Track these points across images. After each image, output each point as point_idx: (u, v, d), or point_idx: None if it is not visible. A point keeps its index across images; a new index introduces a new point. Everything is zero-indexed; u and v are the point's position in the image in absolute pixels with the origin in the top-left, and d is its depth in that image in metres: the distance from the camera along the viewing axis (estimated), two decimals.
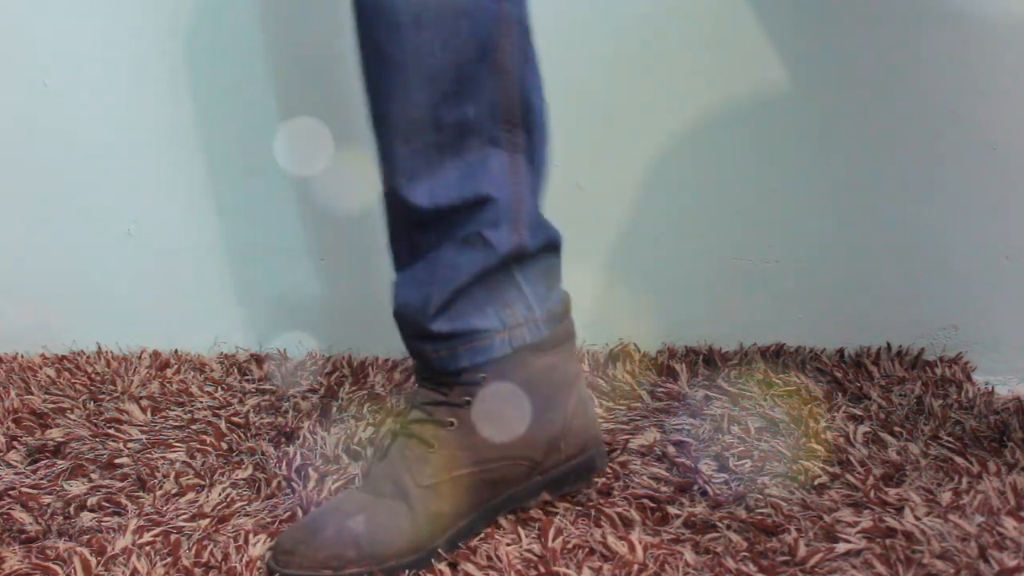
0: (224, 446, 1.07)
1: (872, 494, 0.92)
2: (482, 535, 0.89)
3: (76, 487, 0.99)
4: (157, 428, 1.12)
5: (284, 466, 1.01)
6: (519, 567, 0.83)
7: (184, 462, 1.03)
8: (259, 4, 1.27)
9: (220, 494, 0.97)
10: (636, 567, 0.82)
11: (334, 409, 1.15)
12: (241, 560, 0.84)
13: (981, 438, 1.04)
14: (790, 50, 1.25)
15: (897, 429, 1.07)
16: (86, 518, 0.93)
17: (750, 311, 1.31)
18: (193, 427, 1.12)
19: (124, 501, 0.96)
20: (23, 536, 0.90)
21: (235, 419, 1.13)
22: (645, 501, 0.93)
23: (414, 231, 0.88)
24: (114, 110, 1.30)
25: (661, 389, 1.20)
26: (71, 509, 0.95)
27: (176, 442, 1.08)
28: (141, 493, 0.98)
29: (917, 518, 0.87)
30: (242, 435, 1.09)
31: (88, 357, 1.33)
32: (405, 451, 0.88)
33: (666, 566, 0.82)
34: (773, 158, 1.28)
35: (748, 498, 0.93)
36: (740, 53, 1.25)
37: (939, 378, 1.21)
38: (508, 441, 0.89)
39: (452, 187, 0.86)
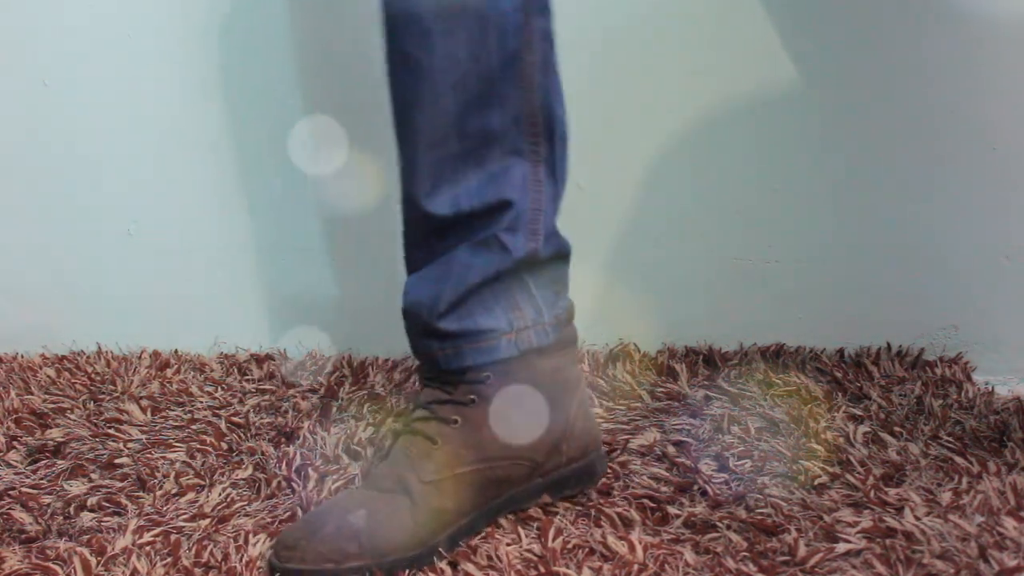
0: (224, 446, 1.07)
1: (872, 494, 0.92)
2: (482, 535, 0.89)
3: (76, 487, 0.99)
4: (157, 428, 1.12)
5: (284, 466, 1.01)
6: (519, 567, 0.83)
7: (184, 462, 1.03)
8: (264, 3, 1.27)
9: (220, 494, 0.97)
10: (636, 567, 0.82)
11: (334, 409, 1.15)
12: (241, 560, 0.84)
13: (981, 438, 1.04)
14: (790, 50, 1.25)
15: (897, 429, 1.07)
16: (86, 518, 0.93)
17: (750, 311, 1.31)
18: (193, 427, 1.12)
19: (124, 501, 0.96)
20: (23, 536, 0.90)
21: (235, 419, 1.13)
22: (645, 501, 0.93)
23: (432, 237, 0.89)
24: (114, 110, 1.30)
25: (661, 389, 1.20)
26: (71, 509, 0.95)
27: (176, 442, 1.08)
28: (141, 493, 0.98)
29: (917, 518, 0.87)
30: (242, 435, 1.09)
31: (88, 357, 1.33)
32: (409, 447, 0.88)
33: (666, 566, 0.82)
34: (773, 158, 1.28)
35: (748, 498, 0.93)
36: (740, 53, 1.25)
37: (939, 378, 1.21)
38: (511, 440, 0.89)
39: (474, 194, 0.87)
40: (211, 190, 1.32)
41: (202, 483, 0.99)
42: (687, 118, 1.27)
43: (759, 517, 0.89)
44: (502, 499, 0.91)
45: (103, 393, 1.21)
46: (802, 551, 0.83)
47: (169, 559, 0.85)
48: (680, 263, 1.31)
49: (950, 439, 1.03)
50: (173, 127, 1.31)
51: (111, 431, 1.10)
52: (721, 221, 1.30)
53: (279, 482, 0.99)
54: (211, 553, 0.85)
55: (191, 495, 0.97)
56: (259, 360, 1.31)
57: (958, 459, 0.99)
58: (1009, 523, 0.85)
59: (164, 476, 1.00)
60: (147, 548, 0.87)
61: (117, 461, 1.04)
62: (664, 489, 0.96)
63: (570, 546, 0.86)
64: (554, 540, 0.86)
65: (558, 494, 0.94)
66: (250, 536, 0.88)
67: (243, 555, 0.85)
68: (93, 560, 0.84)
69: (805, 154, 1.27)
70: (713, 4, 1.24)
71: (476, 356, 0.89)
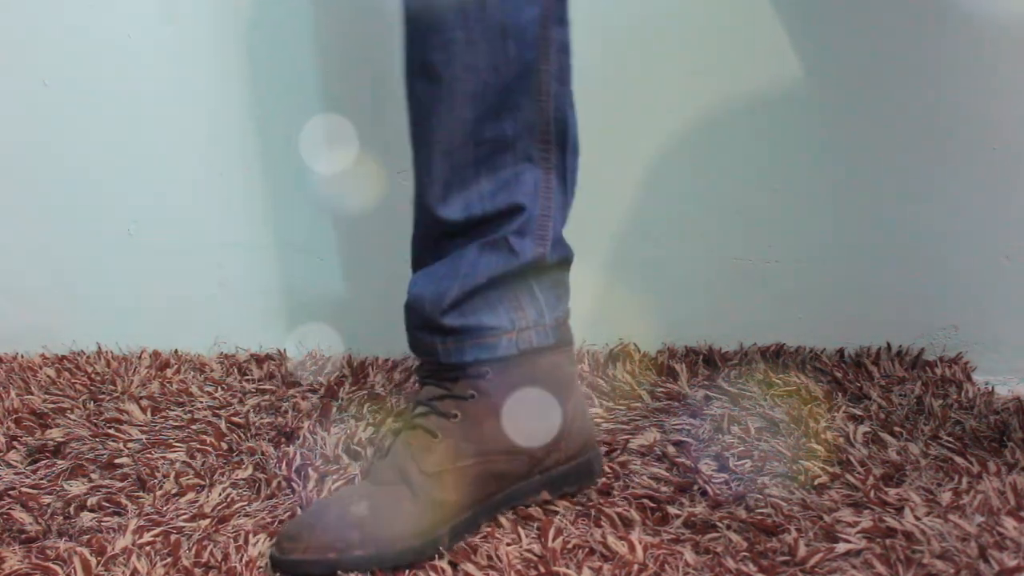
0: (224, 446, 1.07)
1: (872, 494, 0.92)
2: (482, 534, 0.89)
3: (76, 487, 0.99)
4: (157, 428, 1.12)
5: (284, 466, 1.01)
6: (519, 567, 0.83)
7: (184, 462, 1.03)
8: (264, 4, 1.27)
9: (220, 494, 0.97)
10: (636, 567, 0.82)
11: (334, 409, 1.15)
12: (241, 560, 0.84)
13: (981, 438, 1.04)
14: (790, 50, 1.25)
15: (897, 429, 1.07)
16: (86, 518, 0.93)
17: (750, 311, 1.31)
18: (193, 427, 1.11)
19: (124, 501, 0.96)
20: (23, 536, 0.90)
21: (235, 419, 1.13)
22: (645, 501, 0.93)
23: (443, 240, 0.91)
24: (114, 110, 1.30)
25: (661, 389, 1.20)
26: (71, 509, 0.95)
27: (176, 442, 1.08)
28: (141, 493, 0.98)
29: (917, 518, 0.87)
30: (242, 435, 1.09)
31: (88, 357, 1.33)
32: (409, 441, 0.89)
33: (666, 566, 0.82)
34: (773, 158, 1.28)
35: (748, 498, 0.93)
36: (740, 53, 1.25)
37: (939, 378, 1.21)
38: (510, 435, 0.90)
39: (486, 199, 0.89)
40: (211, 190, 1.32)
41: (202, 483, 0.99)
42: (687, 118, 1.27)
43: (759, 517, 0.89)
44: (502, 494, 0.91)
45: (103, 393, 1.21)
46: (802, 551, 0.83)
47: (169, 559, 0.85)
48: (680, 263, 1.31)
49: (950, 439, 1.03)
50: (173, 127, 1.31)
51: (111, 431, 1.10)
52: (721, 221, 1.30)
53: (279, 482, 0.99)
54: (211, 553, 0.85)
55: (191, 495, 0.97)
56: (259, 360, 1.31)
57: (958, 459, 0.99)
58: (1009, 523, 0.85)
59: (164, 476, 1.00)
60: (147, 548, 0.87)
61: (117, 461, 1.04)
62: (664, 489, 0.96)
63: (570, 546, 0.86)
64: (554, 540, 0.86)
65: (557, 491, 0.94)
66: (250, 536, 0.88)
67: (243, 555, 0.85)
68: (93, 560, 0.84)
69: (805, 154, 1.27)
70: (713, 4, 1.24)
71: (477, 352, 0.90)
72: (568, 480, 0.95)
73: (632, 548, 0.84)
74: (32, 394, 1.21)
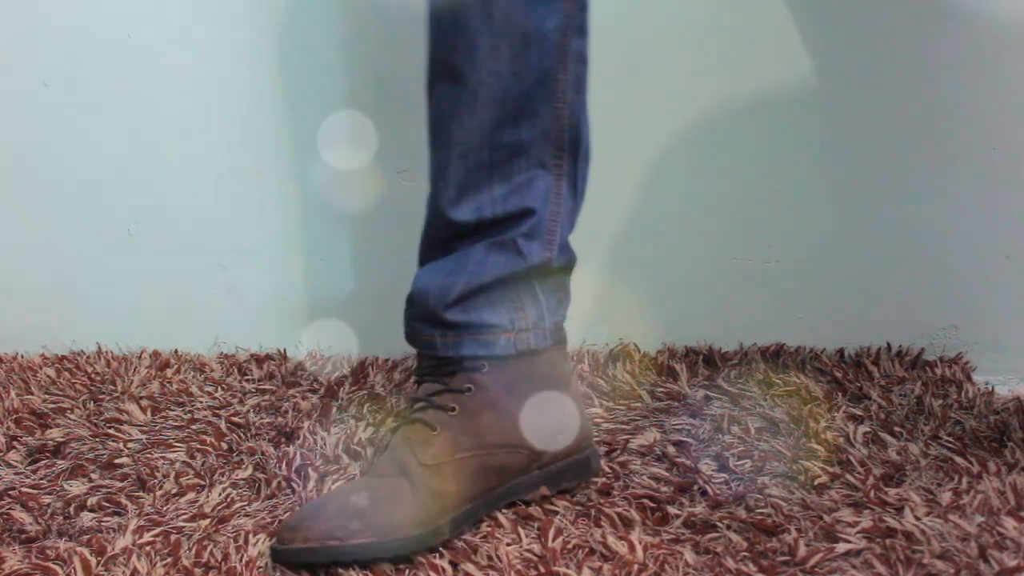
0: (224, 446, 1.07)
1: (872, 494, 0.92)
2: (483, 534, 0.89)
3: (76, 487, 0.99)
4: (157, 428, 1.12)
5: (284, 466, 1.01)
6: (519, 567, 0.83)
7: (184, 462, 1.03)
8: (263, 3, 1.27)
9: (220, 494, 0.97)
10: (636, 567, 0.82)
11: (334, 409, 1.15)
12: (241, 560, 0.84)
13: (981, 438, 1.04)
14: (790, 51, 1.25)
15: (897, 429, 1.07)
16: (86, 518, 0.93)
17: (750, 311, 1.31)
18: (193, 427, 1.11)
19: (124, 501, 0.96)
20: (23, 536, 0.90)
21: (235, 419, 1.13)
22: (645, 501, 0.93)
23: (453, 240, 0.92)
24: (114, 110, 1.30)
25: (661, 389, 1.20)
26: (71, 509, 0.95)
27: (176, 442, 1.08)
28: (141, 493, 0.98)
29: (917, 518, 0.87)
30: (242, 435, 1.09)
31: (88, 357, 1.32)
32: (408, 435, 0.90)
33: (666, 566, 0.82)
34: (773, 158, 1.28)
35: (748, 498, 0.93)
36: (740, 53, 1.25)
37: (939, 378, 1.21)
38: (509, 428, 0.91)
39: (498, 203, 0.90)
40: (211, 190, 1.32)
41: (202, 483, 0.99)
42: (687, 118, 1.27)
43: (759, 517, 0.89)
44: (502, 488, 0.92)
45: (103, 393, 1.21)
46: (802, 551, 0.83)
47: (169, 559, 0.85)
48: (680, 263, 1.31)
49: (950, 439, 1.03)
50: (173, 127, 1.31)
51: (111, 431, 1.10)
52: (721, 221, 1.30)
53: (279, 482, 0.99)
54: (211, 553, 0.85)
55: (191, 495, 0.97)
56: (259, 360, 1.31)
57: (958, 459, 0.99)
58: (1009, 523, 0.85)
59: (164, 476, 1.00)
60: (147, 548, 0.87)
61: (117, 461, 1.04)
62: (664, 489, 0.96)
63: (570, 546, 0.86)
64: (554, 540, 0.86)
65: (556, 487, 0.95)
66: (250, 536, 0.88)
67: (243, 555, 0.85)
68: (93, 560, 0.84)
69: (805, 154, 1.27)
70: (713, 4, 1.24)
71: (475, 348, 0.91)
72: (567, 475, 0.95)
73: (632, 548, 0.84)
74: (32, 394, 1.21)
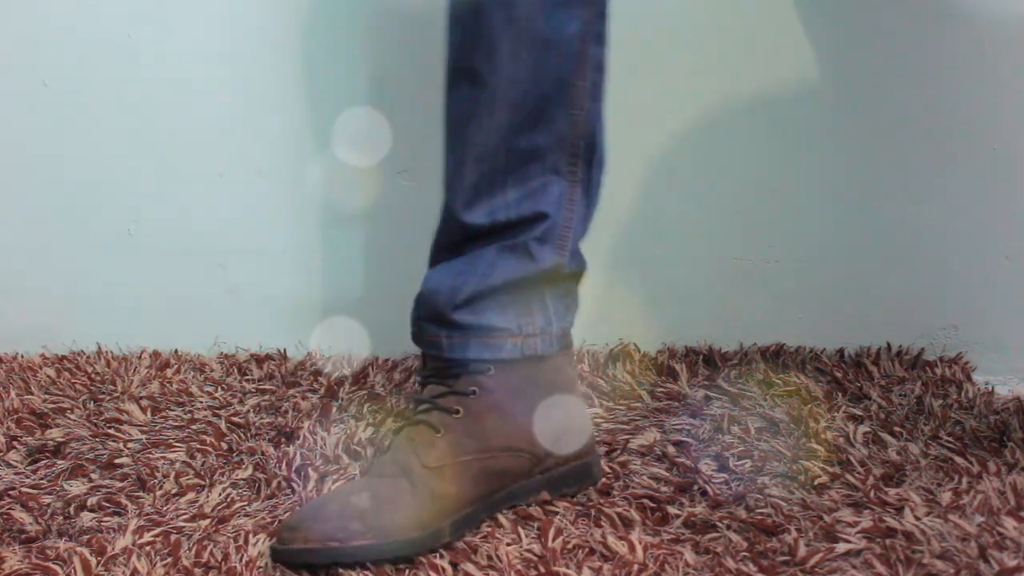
0: (224, 446, 1.07)
1: (872, 494, 0.92)
2: (483, 534, 0.89)
3: (76, 487, 0.99)
4: (157, 428, 1.12)
5: (284, 466, 1.01)
6: (519, 567, 0.83)
7: (184, 462, 1.03)
8: (263, 3, 1.27)
9: (220, 494, 0.97)
10: (636, 567, 0.82)
11: (334, 409, 1.15)
12: (241, 560, 0.84)
13: (981, 438, 1.04)
14: (790, 51, 1.25)
15: (897, 429, 1.07)
16: (86, 518, 0.93)
17: (750, 311, 1.31)
18: (193, 427, 1.11)
19: (124, 501, 0.96)
20: (23, 536, 0.90)
21: (235, 419, 1.13)
22: (645, 501, 0.93)
23: (465, 242, 0.92)
24: (114, 110, 1.30)
25: (661, 389, 1.20)
26: (71, 509, 0.95)
27: (176, 442, 1.08)
28: (141, 493, 0.98)
29: (917, 518, 0.87)
30: (242, 435, 1.09)
31: (88, 357, 1.32)
32: (412, 436, 0.90)
33: (666, 566, 0.82)
34: (773, 158, 1.28)
35: (748, 498, 0.93)
36: (740, 53, 1.26)
37: (939, 378, 1.21)
38: (512, 432, 0.91)
39: (512, 207, 0.91)
40: (211, 190, 1.32)
41: (202, 483, 0.99)
42: (687, 118, 1.27)
43: (759, 517, 0.89)
44: (504, 492, 0.92)
45: (103, 393, 1.21)
46: (802, 551, 0.83)
47: (169, 559, 0.85)
48: (680, 263, 1.31)
49: (950, 439, 1.03)
50: (173, 127, 1.31)
51: (111, 431, 1.10)
52: (721, 221, 1.30)
53: (279, 482, 0.98)
54: (211, 553, 0.85)
55: (191, 495, 0.97)
56: (259, 360, 1.31)
57: (958, 459, 0.99)
58: (1009, 523, 0.85)
59: (164, 476, 1.00)
60: (147, 548, 0.87)
61: (117, 461, 1.04)
62: (664, 489, 0.96)
63: (570, 546, 0.86)
64: (554, 540, 0.86)
65: (557, 492, 0.94)
66: (250, 536, 0.88)
67: (243, 555, 0.85)
68: (93, 560, 0.84)
69: (805, 154, 1.27)
70: (713, 4, 1.24)
71: (480, 350, 0.91)
72: (568, 481, 0.95)
73: (632, 548, 0.84)
74: (32, 394, 1.21)
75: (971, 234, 1.27)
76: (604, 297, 1.30)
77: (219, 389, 1.22)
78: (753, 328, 1.31)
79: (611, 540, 0.86)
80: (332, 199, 1.31)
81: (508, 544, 0.87)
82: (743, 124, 1.27)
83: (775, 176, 1.28)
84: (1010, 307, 1.28)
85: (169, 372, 1.27)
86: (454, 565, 0.84)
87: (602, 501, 0.94)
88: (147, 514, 0.93)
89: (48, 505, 0.95)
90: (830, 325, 1.30)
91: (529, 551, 0.85)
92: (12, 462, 1.05)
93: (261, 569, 0.84)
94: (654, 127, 1.27)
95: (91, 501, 0.96)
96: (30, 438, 1.10)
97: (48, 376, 1.26)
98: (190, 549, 0.86)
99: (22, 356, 1.34)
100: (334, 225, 1.32)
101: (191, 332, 1.35)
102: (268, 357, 1.32)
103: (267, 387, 1.23)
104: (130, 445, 1.08)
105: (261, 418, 1.14)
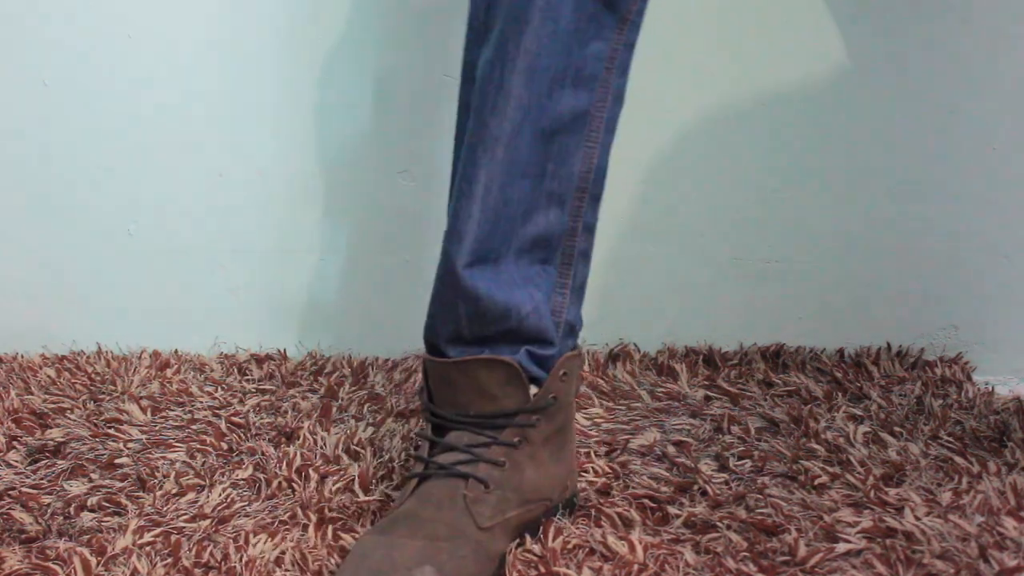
0: (224, 446, 1.07)
1: (872, 494, 0.92)
2: None
3: (76, 487, 0.99)
4: (157, 428, 1.12)
5: (284, 466, 1.01)
6: (519, 567, 0.83)
7: (184, 462, 1.03)
8: (262, 3, 1.27)
9: (220, 494, 0.97)
10: (636, 567, 0.82)
11: (334, 409, 1.15)
12: (241, 560, 0.84)
13: (981, 438, 1.04)
14: (790, 51, 1.25)
15: (897, 429, 1.07)
16: (86, 518, 0.93)
17: (750, 311, 1.31)
18: (193, 427, 1.12)
19: (124, 501, 0.96)
20: (23, 536, 0.90)
21: (235, 419, 1.13)
22: (645, 501, 0.93)
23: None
24: (114, 110, 1.30)
25: (661, 389, 1.20)
26: (71, 509, 0.95)
27: (176, 442, 1.08)
28: (141, 493, 0.98)
29: (917, 518, 0.87)
30: (242, 435, 1.09)
31: (88, 357, 1.33)
32: (461, 491, 0.83)
33: (666, 566, 0.82)
34: (773, 158, 1.28)
35: (748, 498, 0.93)
36: (740, 53, 1.25)
37: (939, 378, 1.21)
38: (544, 482, 0.88)
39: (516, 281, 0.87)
40: (211, 190, 1.32)
41: (202, 483, 0.99)
42: (687, 118, 1.27)
43: (759, 517, 0.90)
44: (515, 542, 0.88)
45: (103, 393, 1.21)
46: (802, 551, 0.83)
47: (169, 559, 0.85)
48: (680, 263, 1.31)
49: (950, 439, 1.04)
50: (173, 127, 1.31)
51: (111, 431, 1.10)
52: (721, 221, 1.30)
53: (279, 482, 0.99)
54: (211, 553, 0.85)
55: (191, 495, 0.97)
56: (259, 360, 1.31)
57: (958, 459, 0.99)
58: (1009, 523, 0.85)
59: (164, 476, 1.00)
60: (147, 548, 0.87)
61: (117, 461, 1.04)
62: (664, 489, 0.96)
63: (570, 546, 0.86)
64: (554, 540, 0.86)
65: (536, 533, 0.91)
66: (250, 536, 0.88)
67: (243, 555, 0.85)
68: (93, 560, 0.84)
69: (805, 154, 1.28)
70: (713, 4, 1.24)
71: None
72: (552, 513, 0.92)
73: (632, 548, 0.84)
74: (32, 394, 1.21)
75: (971, 234, 1.27)
76: (604, 297, 1.30)
77: (219, 389, 1.22)
78: (753, 328, 1.31)
79: (611, 540, 0.86)
80: (332, 199, 1.31)
81: None
82: (743, 124, 1.27)
83: (775, 176, 1.28)
84: (1010, 307, 1.28)
85: (169, 372, 1.27)
86: None
87: (602, 501, 0.94)
88: (147, 514, 0.93)
89: (48, 505, 0.95)
90: (830, 325, 1.30)
91: (529, 551, 0.85)
92: (12, 462, 1.05)
93: (261, 570, 0.84)
94: (654, 127, 1.27)
95: (91, 501, 0.96)
96: (30, 438, 1.10)
97: (48, 376, 1.26)
98: (190, 549, 0.86)
99: (22, 356, 1.35)
100: (335, 225, 1.32)
101: (191, 332, 1.35)
102: (268, 357, 1.32)
103: (267, 387, 1.23)
104: (130, 445, 1.08)
105: (261, 418, 1.14)
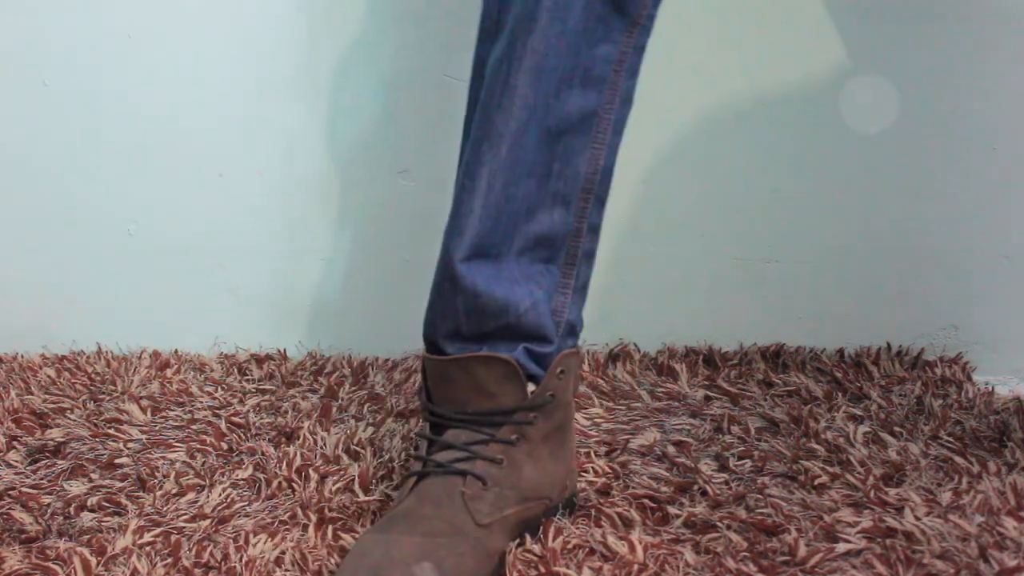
0: (224, 446, 1.07)
1: (872, 494, 0.92)
2: None
3: (76, 487, 0.99)
4: (157, 428, 1.12)
5: (284, 466, 1.01)
6: (519, 567, 0.83)
7: (184, 462, 1.03)
8: (263, 2, 1.28)
9: (220, 494, 0.97)
10: (636, 567, 0.82)
11: (334, 409, 1.15)
12: (241, 560, 0.84)
13: (981, 438, 1.04)
14: (790, 50, 1.25)
15: (897, 429, 1.07)
16: (86, 518, 0.93)
17: (750, 311, 1.31)
18: (193, 427, 1.11)
19: (124, 501, 0.96)
20: (23, 536, 0.90)
21: (235, 419, 1.13)
22: (645, 501, 0.93)
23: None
24: (114, 110, 1.30)
25: (661, 389, 1.20)
26: (71, 509, 0.95)
27: (176, 442, 1.08)
28: (141, 493, 0.98)
29: (917, 518, 0.87)
30: (242, 435, 1.09)
31: (88, 357, 1.33)
32: (459, 488, 0.83)
33: (666, 566, 0.82)
34: (773, 158, 1.28)
35: (748, 498, 0.93)
36: (740, 53, 1.25)
37: (939, 378, 1.21)
38: (543, 480, 0.88)
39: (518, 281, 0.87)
40: (211, 190, 1.32)
41: (202, 483, 0.99)
42: (687, 118, 1.27)
43: (759, 517, 0.89)
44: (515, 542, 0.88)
45: (103, 393, 1.21)
46: (802, 551, 0.83)
47: (169, 559, 0.85)
48: (680, 263, 1.31)
49: (950, 439, 1.03)
50: (173, 127, 1.31)
51: (111, 431, 1.10)
52: (721, 221, 1.30)
53: (279, 482, 0.98)
54: (211, 553, 0.85)
55: (191, 495, 0.97)
56: (259, 360, 1.31)
57: (958, 459, 0.99)
58: (1009, 523, 0.85)
59: (164, 476, 1.00)
60: (147, 548, 0.87)
61: (117, 461, 1.04)
62: (664, 489, 0.96)
63: (570, 546, 0.86)
64: (554, 540, 0.86)
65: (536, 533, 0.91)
66: (250, 536, 0.88)
67: (243, 555, 0.85)
68: (93, 560, 0.84)
69: (805, 154, 1.28)
70: (713, 4, 1.24)
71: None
72: (551, 513, 0.91)
73: (632, 548, 0.84)
74: (32, 394, 1.21)
75: (971, 234, 1.27)
76: (604, 297, 1.30)
77: (219, 389, 1.22)
78: (753, 328, 1.31)
79: (611, 540, 0.86)
80: (332, 199, 1.31)
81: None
82: (743, 124, 1.27)
83: (775, 176, 1.28)
84: (1010, 307, 1.28)
85: (169, 372, 1.27)
86: None
87: (602, 501, 0.94)
88: (147, 514, 0.93)
89: (48, 505, 0.95)
90: (830, 325, 1.30)
91: (529, 551, 0.85)
92: (12, 462, 1.05)
93: (261, 570, 0.84)
94: (654, 127, 1.27)
95: (91, 501, 0.96)
96: (30, 438, 1.10)
97: (48, 376, 1.26)
98: (190, 549, 0.86)
99: (22, 356, 1.34)
100: (335, 225, 1.32)
101: (191, 332, 1.35)
102: (268, 357, 1.32)
103: (267, 387, 1.23)
104: (130, 445, 1.08)
105: (261, 418, 1.14)
